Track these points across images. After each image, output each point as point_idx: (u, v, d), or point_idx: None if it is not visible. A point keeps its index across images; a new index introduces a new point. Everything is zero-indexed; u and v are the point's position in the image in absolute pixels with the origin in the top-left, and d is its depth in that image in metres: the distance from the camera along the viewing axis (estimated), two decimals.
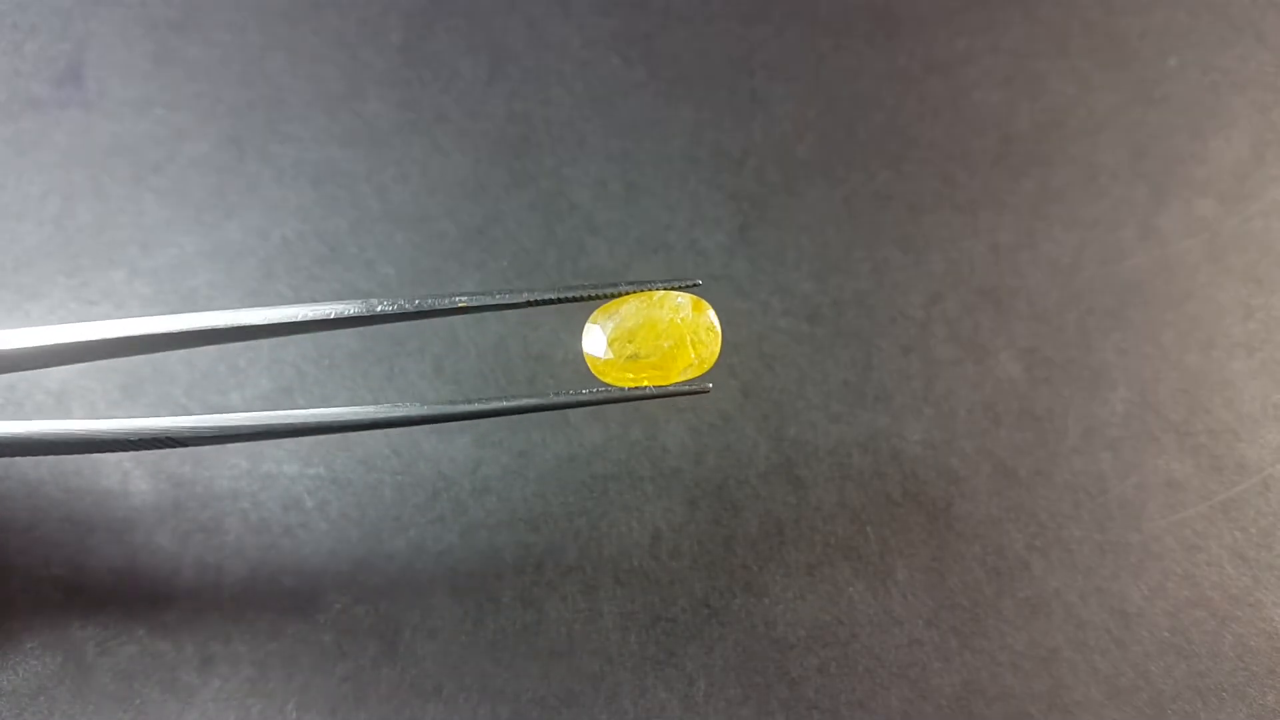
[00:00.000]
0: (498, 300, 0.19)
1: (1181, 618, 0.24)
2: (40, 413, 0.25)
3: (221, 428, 0.19)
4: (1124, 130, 0.28)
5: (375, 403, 0.25)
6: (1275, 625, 0.24)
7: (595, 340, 0.20)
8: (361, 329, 0.26)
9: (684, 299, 0.20)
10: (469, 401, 0.20)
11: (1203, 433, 0.25)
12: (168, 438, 0.19)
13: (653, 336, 0.19)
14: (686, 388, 0.20)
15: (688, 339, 0.19)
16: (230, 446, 0.25)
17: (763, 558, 0.24)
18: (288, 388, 0.25)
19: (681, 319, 0.19)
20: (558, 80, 0.29)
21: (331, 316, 0.19)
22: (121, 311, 0.26)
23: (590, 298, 0.20)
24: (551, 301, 0.19)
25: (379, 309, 0.19)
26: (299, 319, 0.19)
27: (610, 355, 0.19)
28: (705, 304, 0.20)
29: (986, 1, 0.30)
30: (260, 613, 0.23)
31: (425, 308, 0.19)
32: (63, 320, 0.26)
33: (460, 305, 0.19)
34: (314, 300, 0.26)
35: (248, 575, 0.24)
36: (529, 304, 0.19)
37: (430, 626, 0.23)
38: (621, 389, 0.20)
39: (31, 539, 0.24)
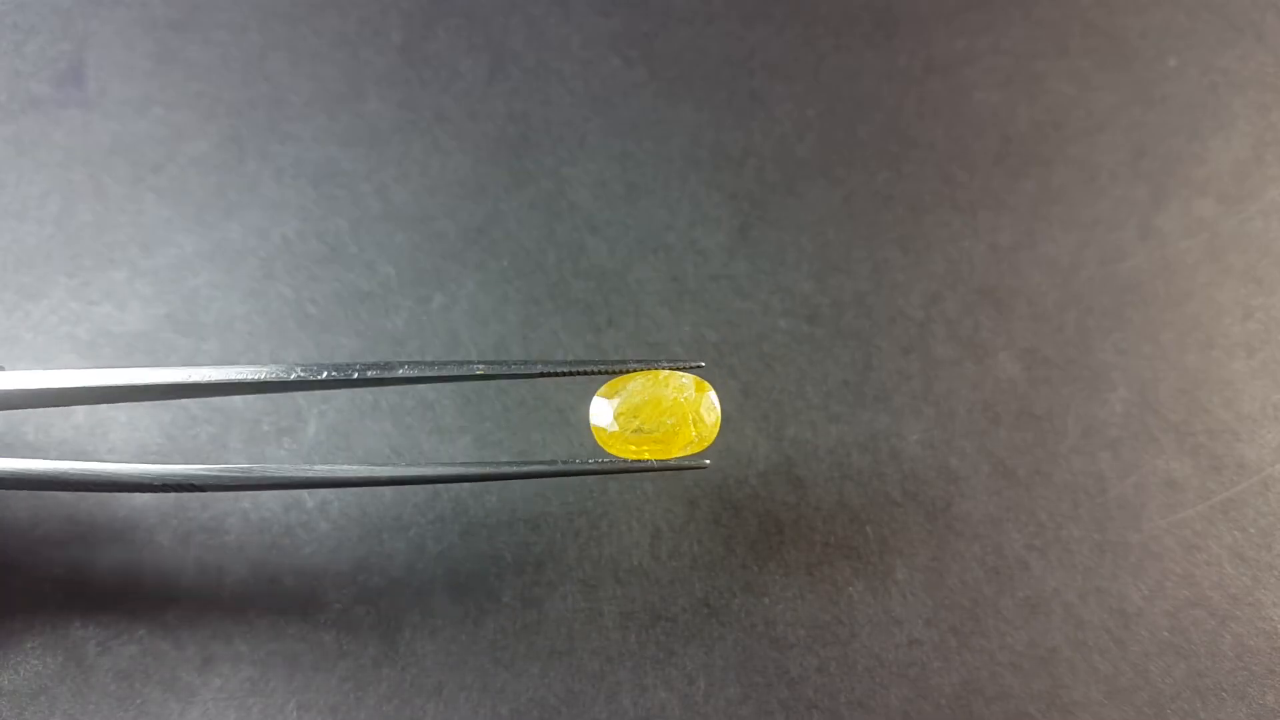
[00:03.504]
0: (512, 370, 0.21)
1: (1181, 618, 0.24)
2: (43, 415, 0.25)
3: (241, 477, 0.20)
4: (1124, 130, 0.28)
5: (376, 403, 0.25)
6: (1275, 625, 0.24)
7: (602, 413, 0.21)
8: (362, 331, 0.26)
9: (687, 379, 0.21)
10: (480, 464, 0.22)
11: (1202, 433, 0.25)
12: (190, 484, 0.20)
13: (657, 414, 0.21)
14: (686, 462, 0.21)
15: (689, 418, 0.21)
16: (231, 446, 0.25)
17: (762, 558, 0.24)
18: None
19: (685, 399, 0.21)
20: (558, 80, 0.29)
21: (355, 377, 0.21)
22: (122, 312, 0.26)
23: (599, 372, 0.21)
24: (563, 374, 0.21)
25: (400, 373, 0.20)
26: (321, 378, 0.21)
27: (616, 429, 0.21)
28: (707, 385, 0.21)
29: (986, 1, 0.30)
30: (261, 612, 0.23)
31: (442, 374, 0.21)
32: (63, 320, 0.26)
33: (478, 373, 0.21)
34: (314, 300, 0.26)
35: (248, 575, 0.24)
36: (542, 375, 0.21)
37: (430, 626, 0.23)
38: (624, 460, 0.21)
39: (32, 539, 0.24)
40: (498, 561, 0.24)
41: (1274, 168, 0.28)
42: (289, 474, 0.20)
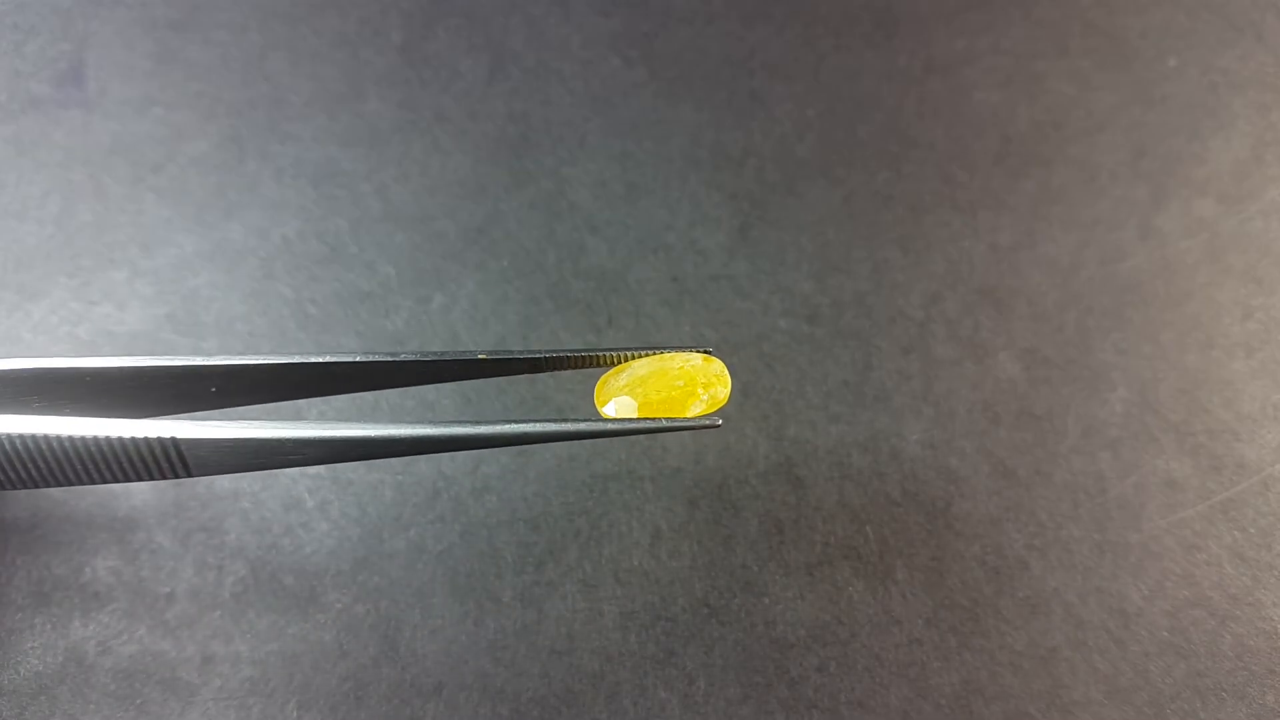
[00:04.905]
0: (516, 356, 0.20)
1: (1181, 617, 0.24)
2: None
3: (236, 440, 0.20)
4: (1124, 130, 0.28)
5: (376, 403, 0.25)
6: (1274, 625, 0.24)
7: (610, 398, 0.20)
8: (362, 331, 0.26)
9: (695, 355, 0.20)
10: (485, 423, 0.20)
11: (1202, 433, 0.25)
12: (175, 444, 0.19)
13: (665, 382, 0.20)
14: (699, 422, 0.20)
15: (698, 381, 0.20)
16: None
17: (762, 558, 0.24)
18: None
19: (692, 366, 0.20)
20: (558, 80, 0.29)
21: (357, 360, 0.20)
22: (122, 311, 0.26)
23: (604, 361, 0.20)
24: (566, 365, 0.20)
25: (402, 357, 0.20)
26: (320, 361, 0.20)
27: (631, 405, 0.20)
28: (714, 357, 0.21)
29: (986, 1, 0.30)
30: (261, 612, 0.23)
31: (445, 358, 0.20)
32: (63, 320, 0.26)
33: (480, 358, 0.20)
34: (314, 300, 0.26)
35: (248, 575, 0.24)
36: (548, 364, 0.20)
37: (430, 626, 0.23)
38: (637, 421, 0.20)
39: (32, 538, 0.24)
40: (498, 561, 0.24)
41: (1274, 168, 0.28)
42: (277, 432, 0.20)
